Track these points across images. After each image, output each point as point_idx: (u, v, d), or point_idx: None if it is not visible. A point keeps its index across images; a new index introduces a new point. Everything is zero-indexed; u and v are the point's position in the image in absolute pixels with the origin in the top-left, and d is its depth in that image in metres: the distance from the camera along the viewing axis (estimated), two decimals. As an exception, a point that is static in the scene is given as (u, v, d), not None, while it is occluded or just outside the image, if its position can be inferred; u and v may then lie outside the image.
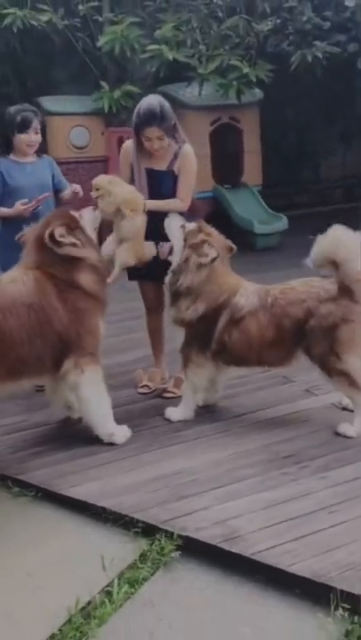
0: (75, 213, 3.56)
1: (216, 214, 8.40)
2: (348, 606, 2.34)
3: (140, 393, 4.14)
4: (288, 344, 3.53)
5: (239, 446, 3.43)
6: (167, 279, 3.73)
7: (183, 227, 3.69)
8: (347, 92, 10.09)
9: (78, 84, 8.24)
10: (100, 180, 3.71)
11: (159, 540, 2.74)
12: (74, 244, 3.40)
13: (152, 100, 3.83)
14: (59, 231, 3.38)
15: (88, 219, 3.60)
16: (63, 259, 3.40)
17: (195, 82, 7.41)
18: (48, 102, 7.90)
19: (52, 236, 3.37)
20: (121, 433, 3.55)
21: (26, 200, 4.06)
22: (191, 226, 3.67)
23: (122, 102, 7.58)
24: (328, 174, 11.14)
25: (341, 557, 2.54)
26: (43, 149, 4.45)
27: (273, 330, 3.50)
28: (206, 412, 3.84)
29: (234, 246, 3.77)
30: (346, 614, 2.33)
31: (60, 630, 2.36)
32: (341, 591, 2.36)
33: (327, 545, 2.62)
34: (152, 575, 2.62)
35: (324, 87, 9.38)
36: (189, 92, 8.06)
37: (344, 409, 3.72)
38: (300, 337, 3.49)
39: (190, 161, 3.92)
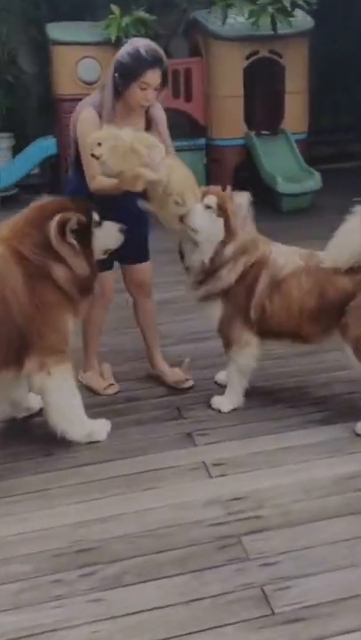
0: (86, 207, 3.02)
1: (248, 166, 7.32)
2: None
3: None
4: (329, 318, 3.13)
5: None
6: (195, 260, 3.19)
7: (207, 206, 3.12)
8: None
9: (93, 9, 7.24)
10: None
11: None
12: (72, 247, 2.92)
13: (148, 41, 3.19)
14: (72, 223, 2.89)
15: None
16: (46, 244, 2.89)
17: (217, 6, 6.20)
18: (54, 30, 6.94)
19: (63, 223, 2.87)
20: (100, 428, 3.16)
21: None
22: (212, 198, 3.13)
23: (132, 31, 6.48)
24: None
25: None
26: None
27: (315, 298, 3.12)
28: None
29: None
30: None
31: None
32: None
33: None
34: None
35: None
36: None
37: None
38: (340, 312, 3.10)
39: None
